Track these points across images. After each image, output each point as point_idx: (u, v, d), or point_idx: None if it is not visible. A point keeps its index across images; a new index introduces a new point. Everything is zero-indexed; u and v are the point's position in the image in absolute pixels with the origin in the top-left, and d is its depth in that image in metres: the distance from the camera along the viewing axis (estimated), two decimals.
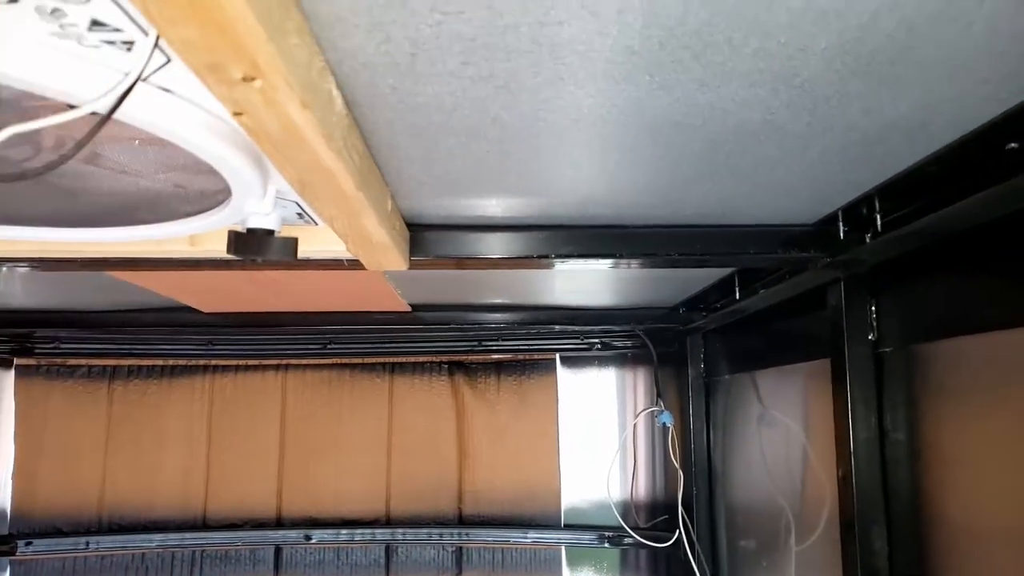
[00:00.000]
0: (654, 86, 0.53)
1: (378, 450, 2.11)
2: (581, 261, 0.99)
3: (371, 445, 2.11)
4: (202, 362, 2.05)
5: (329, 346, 2.13)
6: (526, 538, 1.96)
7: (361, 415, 2.12)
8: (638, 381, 2.00)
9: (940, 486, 0.85)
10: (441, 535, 2.02)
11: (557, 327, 1.97)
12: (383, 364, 2.16)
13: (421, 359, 2.15)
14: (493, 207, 0.90)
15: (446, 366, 2.14)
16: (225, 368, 2.06)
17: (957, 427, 0.84)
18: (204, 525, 2.00)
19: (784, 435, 1.37)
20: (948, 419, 0.85)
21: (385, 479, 2.10)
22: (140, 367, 2.02)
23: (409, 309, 1.74)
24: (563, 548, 1.96)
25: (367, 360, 2.16)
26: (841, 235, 0.92)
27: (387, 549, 2.08)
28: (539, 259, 0.98)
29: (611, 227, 0.98)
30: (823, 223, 0.95)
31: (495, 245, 0.97)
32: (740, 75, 0.52)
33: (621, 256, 0.98)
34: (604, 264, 1.01)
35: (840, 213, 0.90)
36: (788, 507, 1.35)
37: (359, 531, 2.06)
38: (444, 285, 1.49)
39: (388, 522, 2.09)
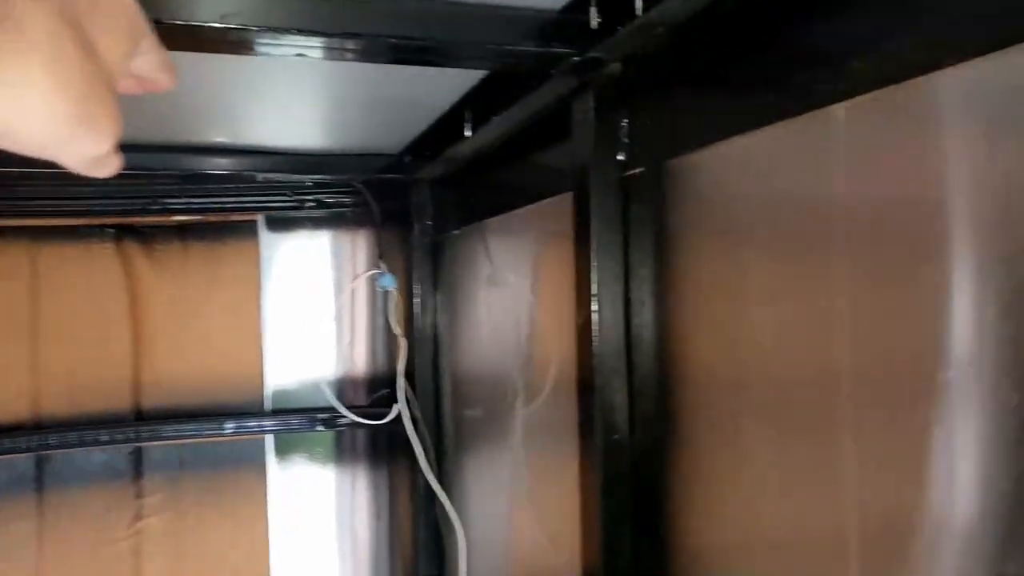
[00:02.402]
0: None
1: (17, 338, 1.62)
2: (276, 37, 0.67)
3: (6, 333, 1.61)
4: None
5: None
6: (223, 429, 1.66)
7: None
8: (358, 244, 1.73)
9: (683, 324, 0.73)
10: (111, 436, 1.64)
11: (260, 176, 1.61)
12: (19, 229, 1.63)
13: (75, 221, 1.66)
14: None
15: (112, 231, 1.68)
16: None
17: (702, 257, 0.71)
18: None
19: (513, 293, 1.22)
20: (694, 248, 0.72)
21: (29, 374, 1.63)
22: None
23: None
24: (269, 437, 1.70)
25: None
26: (593, 23, 0.73)
27: (38, 460, 1.64)
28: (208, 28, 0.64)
29: None
30: (570, 9, 0.74)
31: None
32: None
33: (324, 34, 0.68)
34: (312, 46, 0.70)
35: None
36: (515, 370, 1.22)
37: None
38: None
39: (38, 427, 1.64)
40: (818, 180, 0.55)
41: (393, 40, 0.70)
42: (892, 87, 0.47)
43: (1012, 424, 0.42)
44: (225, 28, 0.63)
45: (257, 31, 0.66)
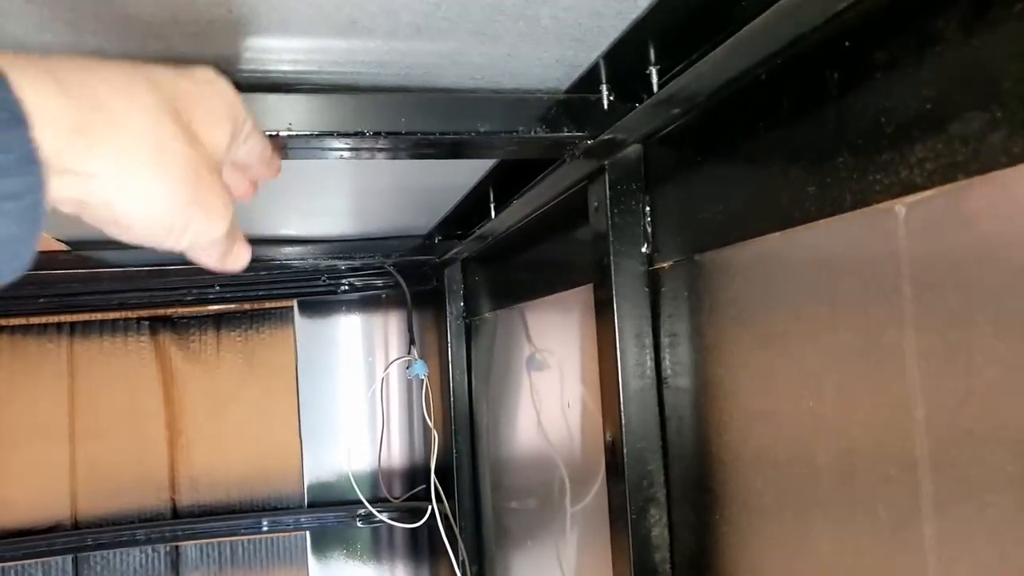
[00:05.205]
0: None
1: (56, 437, 1.61)
2: None
3: (45, 432, 1.60)
4: None
5: None
6: (261, 526, 1.60)
7: (28, 393, 1.60)
8: (391, 327, 1.68)
9: (738, 442, 0.62)
10: (148, 534, 1.59)
11: (294, 264, 1.57)
12: (58, 324, 1.64)
13: (111, 315, 1.66)
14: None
15: (147, 323, 1.67)
16: None
17: (754, 356, 0.60)
18: None
19: (558, 377, 1.13)
20: (740, 357, 0.61)
21: (68, 474, 1.61)
22: None
23: (66, 249, 1.26)
24: (307, 533, 1.62)
25: (32, 320, 1.63)
26: (605, 103, 0.65)
27: (75, 560, 1.60)
28: None
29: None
30: (579, 87, 0.67)
31: None
32: None
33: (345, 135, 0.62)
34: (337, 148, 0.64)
35: (601, 64, 0.62)
36: (562, 459, 1.11)
37: (30, 542, 1.56)
38: None
39: (76, 526, 1.61)
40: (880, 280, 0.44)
41: (383, 135, 0.64)
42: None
43: None
44: None
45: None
